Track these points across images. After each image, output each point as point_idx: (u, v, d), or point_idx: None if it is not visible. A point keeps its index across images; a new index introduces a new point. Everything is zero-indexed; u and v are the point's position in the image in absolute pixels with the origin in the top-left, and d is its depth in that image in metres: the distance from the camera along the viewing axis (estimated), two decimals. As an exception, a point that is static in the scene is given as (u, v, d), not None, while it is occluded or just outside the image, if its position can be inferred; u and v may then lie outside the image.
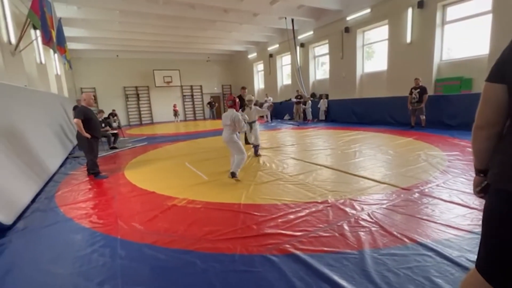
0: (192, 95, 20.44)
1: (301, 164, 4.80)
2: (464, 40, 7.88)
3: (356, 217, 2.56)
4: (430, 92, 8.08)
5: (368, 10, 9.88)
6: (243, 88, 7.06)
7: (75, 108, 7.47)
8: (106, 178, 4.53)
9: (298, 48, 13.41)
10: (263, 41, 16.47)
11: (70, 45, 12.75)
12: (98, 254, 2.20)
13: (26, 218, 3.05)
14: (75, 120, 4.40)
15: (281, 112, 14.91)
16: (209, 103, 19.35)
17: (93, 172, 4.61)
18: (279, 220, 2.60)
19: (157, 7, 10.28)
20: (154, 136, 10.68)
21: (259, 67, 18.71)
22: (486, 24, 7.00)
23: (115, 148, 7.58)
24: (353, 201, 2.94)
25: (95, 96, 16.85)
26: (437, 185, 3.26)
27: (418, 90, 7.64)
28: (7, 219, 2.75)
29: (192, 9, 10.88)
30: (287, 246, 2.13)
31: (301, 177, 3.96)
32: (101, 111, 8.08)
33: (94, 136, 4.56)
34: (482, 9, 7.19)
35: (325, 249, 2.06)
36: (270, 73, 16.86)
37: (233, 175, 4.00)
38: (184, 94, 20.16)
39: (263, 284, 1.73)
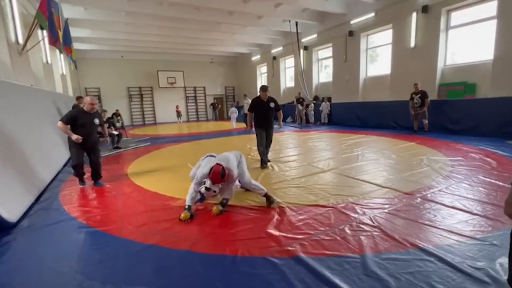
0: (195, 96, 20.53)
1: (303, 167, 4.80)
2: (468, 45, 7.87)
3: (358, 221, 2.56)
4: (434, 96, 8.08)
5: (372, 14, 9.90)
6: (264, 89, 4.99)
7: (74, 107, 6.58)
8: (84, 185, 4.11)
9: (301, 51, 13.44)
10: (267, 44, 16.53)
11: (76, 45, 12.89)
12: (101, 253, 2.22)
13: (31, 216, 3.09)
14: (59, 123, 3.77)
15: (283, 114, 14.85)
16: (212, 104, 19.41)
17: (75, 174, 4.16)
18: (281, 223, 2.61)
19: (162, 8, 10.38)
20: (157, 137, 10.74)
21: (263, 69, 18.76)
22: (490, 29, 7.00)
23: (119, 148, 7.64)
24: (355, 205, 2.95)
25: (99, 96, 17.21)
26: (440, 190, 3.25)
27: (419, 95, 7.62)
28: (12, 217, 2.78)
29: (197, 11, 10.96)
30: (289, 248, 2.14)
31: (303, 180, 3.97)
32: (104, 111, 8.15)
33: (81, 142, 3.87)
34: (487, 15, 7.18)
35: (327, 252, 2.07)
36: (274, 76, 16.90)
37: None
38: (188, 95, 20.26)
39: (264, 286, 1.74)
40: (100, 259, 2.13)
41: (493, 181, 3.48)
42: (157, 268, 1.98)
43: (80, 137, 3.77)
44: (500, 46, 6.73)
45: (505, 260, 1.84)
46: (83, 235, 2.61)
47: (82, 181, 4.17)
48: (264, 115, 5.00)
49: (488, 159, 4.60)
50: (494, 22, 6.89)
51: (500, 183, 3.37)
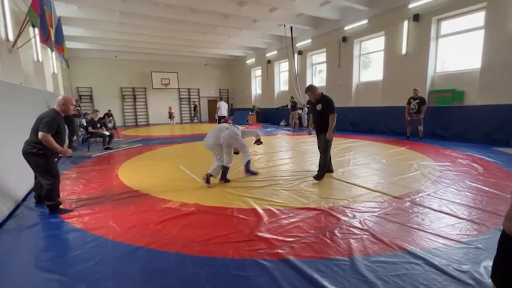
0: (189, 98, 20.44)
1: (295, 170, 4.83)
2: (457, 53, 8.08)
3: (348, 224, 2.59)
4: (424, 103, 8.24)
5: (366, 21, 10.08)
6: (307, 89, 4.15)
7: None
8: (70, 212, 3.09)
9: (296, 55, 13.57)
10: (262, 47, 16.63)
11: (69, 44, 12.71)
12: (89, 255, 2.18)
13: (17, 216, 3.01)
14: (43, 134, 2.86)
15: (277, 118, 14.98)
16: (194, 106, 19.65)
17: (51, 203, 3.03)
18: (272, 225, 2.61)
19: (158, 9, 10.34)
20: (149, 138, 10.63)
21: (257, 72, 18.84)
22: (478, 39, 7.21)
23: (110, 148, 7.53)
24: (345, 208, 2.97)
25: (91, 96, 16.95)
26: (428, 195, 3.32)
27: (418, 101, 7.57)
28: (-4, 217, 2.71)
29: (192, 13, 10.97)
30: (279, 251, 2.15)
31: (295, 183, 3.99)
32: (96, 111, 8.04)
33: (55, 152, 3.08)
34: (475, 25, 7.40)
35: (316, 255, 2.08)
36: (268, 79, 16.99)
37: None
38: (182, 96, 20.17)
39: (253, 289, 1.74)
40: (88, 260, 2.09)
41: (479, 186, 3.56)
42: (146, 270, 1.96)
43: (69, 150, 3.17)
44: (487, 55, 6.94)
45: (490, 263, 1.89)
46: (70, 236, 2.56)
47: (58, 209, 3.08)
48: (314, 119, 4.27)
49: (475, 164, 4.71)
50: (481, 32, 7.11)
51: (486, 188, 3.46)
